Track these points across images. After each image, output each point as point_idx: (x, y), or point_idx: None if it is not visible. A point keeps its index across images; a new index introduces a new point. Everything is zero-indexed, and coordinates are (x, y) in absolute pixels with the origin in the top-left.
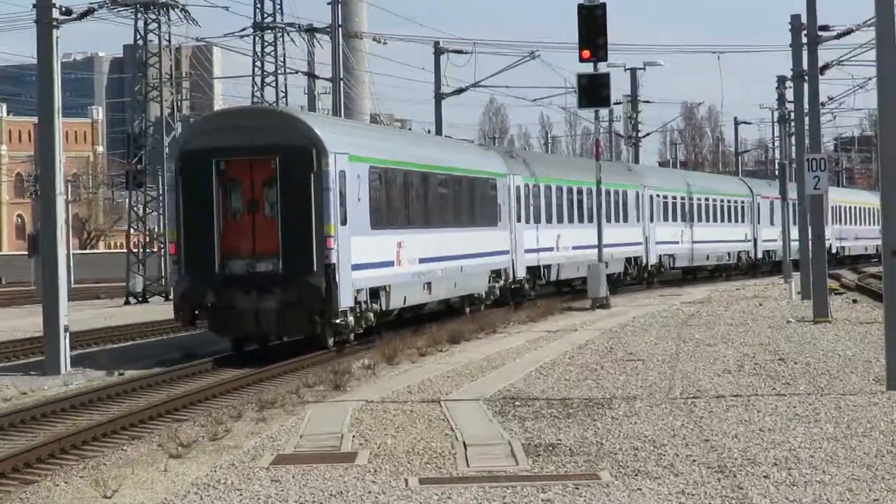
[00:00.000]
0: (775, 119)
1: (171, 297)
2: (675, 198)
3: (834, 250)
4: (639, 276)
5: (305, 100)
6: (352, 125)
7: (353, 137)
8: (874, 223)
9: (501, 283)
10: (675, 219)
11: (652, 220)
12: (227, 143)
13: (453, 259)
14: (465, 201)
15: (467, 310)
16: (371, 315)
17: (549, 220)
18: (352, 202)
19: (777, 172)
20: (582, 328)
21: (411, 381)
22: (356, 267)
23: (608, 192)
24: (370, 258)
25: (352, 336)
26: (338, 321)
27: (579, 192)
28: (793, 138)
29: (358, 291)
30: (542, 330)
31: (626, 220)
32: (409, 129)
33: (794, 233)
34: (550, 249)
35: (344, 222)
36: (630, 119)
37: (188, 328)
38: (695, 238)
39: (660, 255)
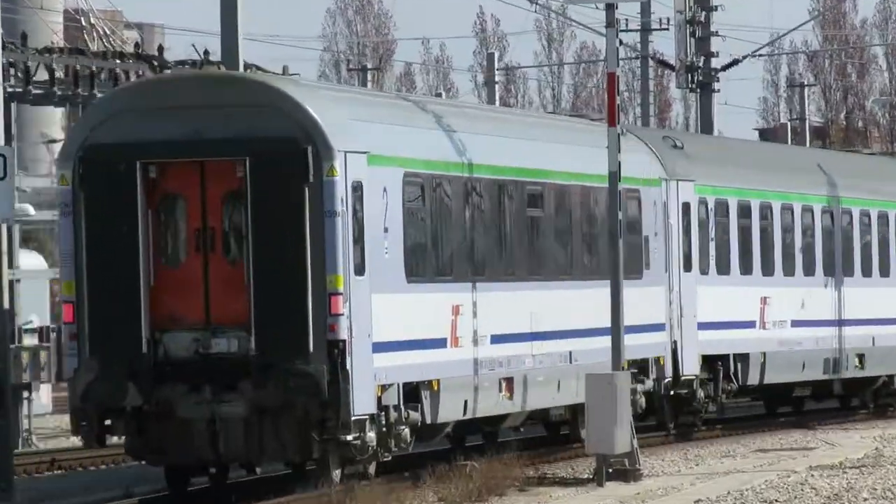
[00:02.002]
0: None
1: (67, 394)
2: None
3: None
4: None
5: None
6: (370, 98)
7: (376, 121)
8: None
9: (650, 385)
10: None
11: None
12: (162, 133)
13: (556, 337)
14: (578, 233)
15: (583, 432)
16: (406, 431)
17: (746, 270)
18: (374, 236)
19: None
20: None
21: None
22: (381, 347)
23: (866, 217)
24: (405, 332)
25: (372, 468)
26: (349, 438)
27: (809, 214)
28: None
29: (384, 389)
30: None
31: None
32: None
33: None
34: (750, 325)
35: (361, 270)
36: (692, 25)
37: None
38: None
39: None
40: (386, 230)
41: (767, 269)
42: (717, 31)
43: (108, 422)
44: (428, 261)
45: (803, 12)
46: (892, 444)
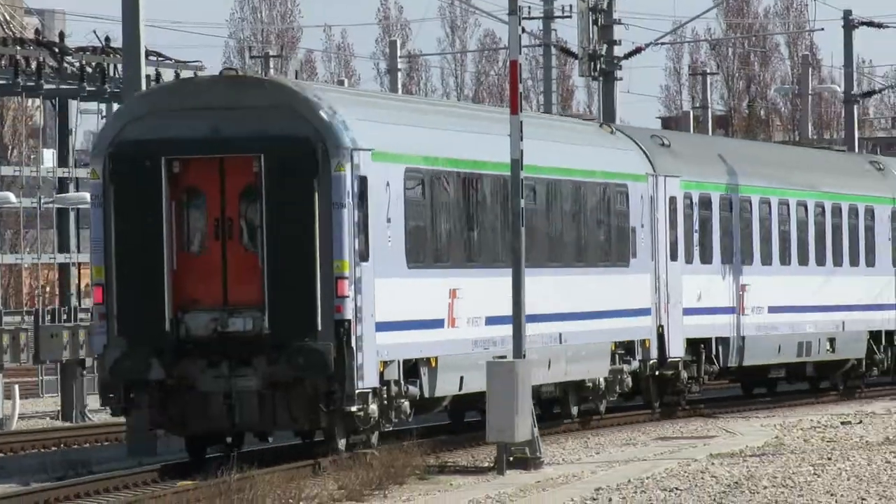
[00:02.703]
0: None
1: (97, 368)
2: None
3: None
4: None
5: None
6: (376, 100)
7: (380, 121)
8: None
9: (636, 365)
10: None
11: None
12: (184, 132)
13: (545, 320)
14: (569, 224)
15: (574, 410)
16: (406, 404)
17: (726, 259)
18: (377, 225)
19: None
20: None
21: None
22: (383, 326)
23: (837, 210)
24: (405, 313)
25: (374, 437)
26: (354, 410)
27: (784, 207)
28: None
29: (386, 365)
30: None
31: (871, 262)
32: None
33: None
34: (730, 311)
35: (365, 257)
36: (594, 13)
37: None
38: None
39: None
40: (389, 220)
41: (746, 259)
42: (619, 19)
43: (132, 394)
44: (427, 248)
45: (706, 0)
46: (792, 432)
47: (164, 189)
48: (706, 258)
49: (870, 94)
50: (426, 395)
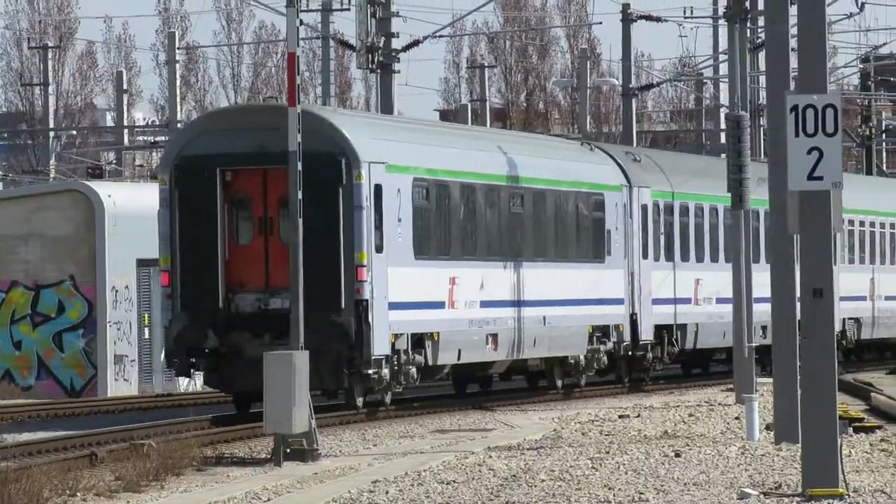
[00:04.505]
0: (720, 12)
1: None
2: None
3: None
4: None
5: None
6: (390, 123)
7: (393, 140)
8: None
9: (610, 346)
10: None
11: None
12: (235, 148)
13: (532, 305)
14: (553, 226)
15: (559, 383)
16: (413, 370)
17: (684, 258)
18: (390, 224)
19: (725, 135)
20: None
21: None
22: (394, 306)
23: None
24: (413, 296)
25: (388, 397)
26: (370, 373)
27: (715, 214)
28: (759, 59)
29: (396, 337)
30: None
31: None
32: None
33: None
34: (688, 301)
35: (380, 249)
36: (373, 6)
37: None
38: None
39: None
40: (399, 220)
41: (699, 257)
42: (398, 12)
43: (193, 359)
44: (431, 243)
45: None
46: (570, 425)
47: (219, 194)
48: (669, 257)
49: (648, 87)
50: (430, 363)
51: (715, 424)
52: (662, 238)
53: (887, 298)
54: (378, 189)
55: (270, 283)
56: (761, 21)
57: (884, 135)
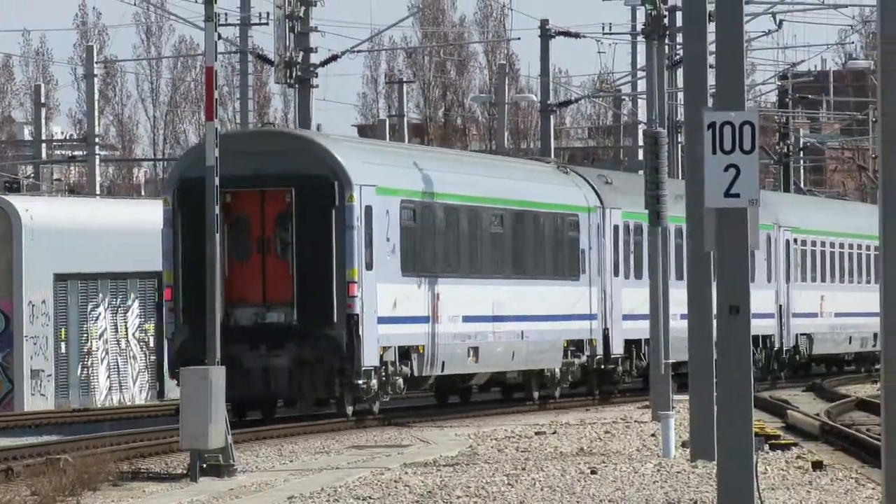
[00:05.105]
0: (639, 29)
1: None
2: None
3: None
4: None
5: None
6: (380, 148)
7: (382, 164)
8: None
9: (584, 359)
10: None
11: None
12: (234, 171)
13: (511, 320)
14: (531, 246)
15: (535, 395)
16: (400, 381)
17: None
18: (379, 243)
19: (643, 151)
20: None
21: None
22: (383, 320)
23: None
24: (400, 310)
25: (376, 406)
26: (360, 383)
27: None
28: (677, 76)
29: (384, 350)
30: None
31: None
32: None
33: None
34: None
35: (370, 267)
36: (291, 20)
37: None
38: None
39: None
40: (388, 239)
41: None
42: (316, 27)
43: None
44: (417, 261)
45: (403, 9)
46: (486, 442)
47: (219, 214)
48: (638, 274)
49: (566, 103)
50: (415, 374)
51: (631, 441)
52: (632, 257)
53: (837, 315)
54: (368, 210)
55: (267, 298)
56: (679, 38)
57: (801, 152)
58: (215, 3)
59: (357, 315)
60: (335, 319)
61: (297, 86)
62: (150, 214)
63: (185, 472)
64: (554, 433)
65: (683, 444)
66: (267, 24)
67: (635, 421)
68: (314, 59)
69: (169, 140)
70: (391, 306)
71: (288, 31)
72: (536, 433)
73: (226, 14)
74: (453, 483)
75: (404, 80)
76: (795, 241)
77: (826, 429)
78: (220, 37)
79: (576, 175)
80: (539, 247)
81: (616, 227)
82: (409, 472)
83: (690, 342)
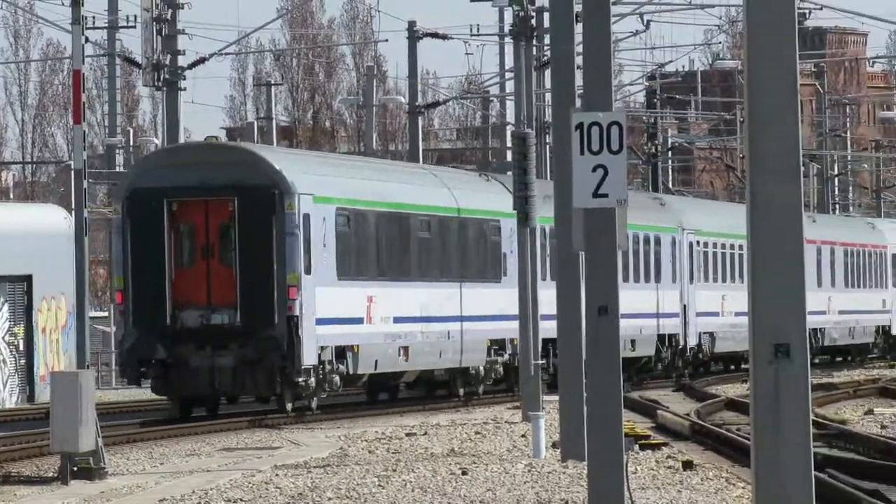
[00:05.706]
0: (506, 30)
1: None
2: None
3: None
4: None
5: None
6: (318, 158)
7: (319, 174)
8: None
9: (506, 357)
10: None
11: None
12: (180, 181)
13: (438, 321)
14: (456, 250)
15: (461, 391)
16: (336, 379)
17: None
18: (317, 248)
19: (511, 152)
20: None
21: None
22: (321, 321)
23: (645, 239)
24: (336, 312)
25: (314, 403)
26: (300, 381)
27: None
28: (545, 77)
29: (322, 349)
30: None
31: (658, 279)
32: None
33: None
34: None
35: (308, 271)
36: (159, 23)
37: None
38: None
39: None
40: (325, 245)
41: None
42: (183, 30)
43: (143, 369)
44: (352, 266)
45: (271, 11)
46: (357, 443)
47: (166, 222)
48: (553, 275)
49: (434, 105)
50: (351, 372)
51: (502, 442)
52: (548, 260)
53: (737, 314)
54: (307, 218)
55: (212, 301)
56: (547, 39)
57: (670, 152)
58: (82, 6)
59: (297, 316)
60: (276, 321)
61: (165, 89)
62: (19, 217)
63: (55, 475)
64: (424, 434)
65: (554, 445)
66: (135, 27)
67: (506, 422)
68: (182, 61)
69: (38, 143)
70: (328, 308)
71: (155, 33)
72: (407, 434)
73: (93, 17)
74: (324, 484)
75: (272, 82)
76: (698, 243)
77: (696, 429)
78: (87, 40)
79: (497, 182)
80: (464, 251)
81: (545, 232)
82: (280, 474)
83: (559, 343)
